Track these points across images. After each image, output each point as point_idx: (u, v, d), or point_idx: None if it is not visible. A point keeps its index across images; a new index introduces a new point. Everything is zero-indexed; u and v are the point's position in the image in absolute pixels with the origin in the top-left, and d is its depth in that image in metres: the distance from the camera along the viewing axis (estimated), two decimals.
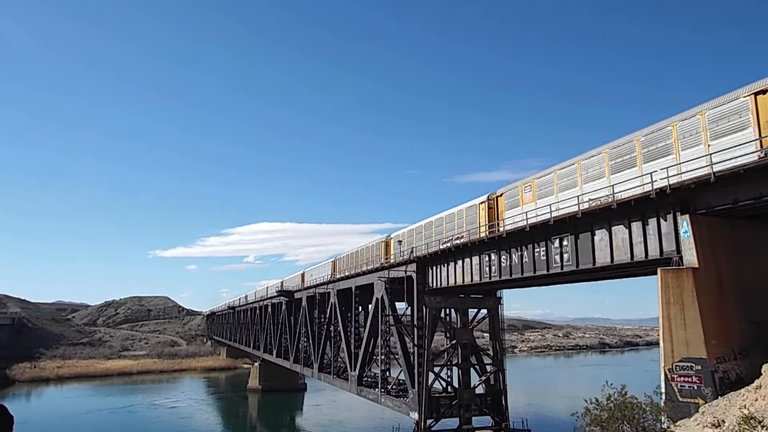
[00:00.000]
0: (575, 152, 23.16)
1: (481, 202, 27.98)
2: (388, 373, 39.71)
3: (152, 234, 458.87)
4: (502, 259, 26.11)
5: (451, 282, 30.81)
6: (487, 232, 26.56)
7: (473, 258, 28.62)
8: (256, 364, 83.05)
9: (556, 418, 56.39)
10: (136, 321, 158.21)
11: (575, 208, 20.51)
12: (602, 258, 20.26)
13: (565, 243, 22.03)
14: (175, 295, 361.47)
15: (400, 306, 38.82)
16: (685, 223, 16.53)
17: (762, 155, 14.30)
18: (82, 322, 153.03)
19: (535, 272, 23.79)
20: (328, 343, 50.37)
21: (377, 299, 38.49)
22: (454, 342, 34.12)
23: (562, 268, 22.19)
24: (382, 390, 38.13)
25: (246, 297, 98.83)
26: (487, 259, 27.32)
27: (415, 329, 33.43)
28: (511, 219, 25.22)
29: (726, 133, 15.68)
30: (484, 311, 35.10)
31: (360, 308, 45.92)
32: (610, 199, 18.93)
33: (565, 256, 22.01)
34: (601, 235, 20.34)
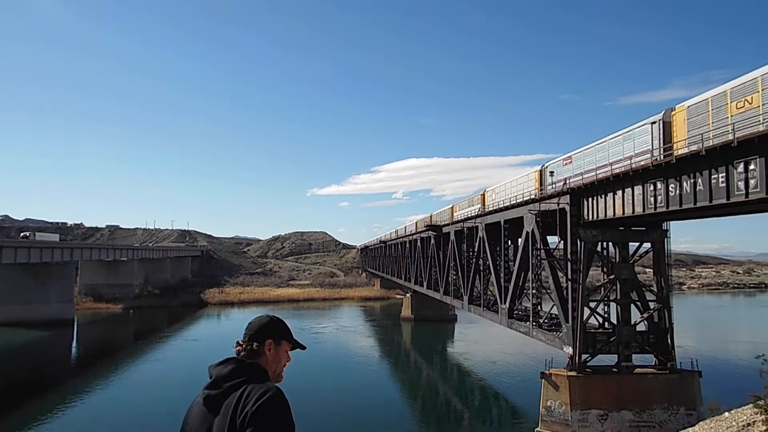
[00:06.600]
0: None
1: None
2: (539, 307, 39.03)
3: (308, 174, 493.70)
4: (670, 188, 23.46)
5: (609, 214, 28.65)
6: (661, 156, 23.83)
7: (635, 188, 26.14)
8: (408, 295, 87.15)
9: (733, 361, 51.43)
10: (300, 254, 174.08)
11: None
12: None
13: (752, 167, 18.99)
14: (332, 230, 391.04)
15: (552, 240, 37.42)
16: None
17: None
18: (255, 255, 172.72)
19: (711, 201, 21.02)
20: (477, 277, 50.74)
21: (527, 233, 37.44)
22: (612, 277, 32.14)
23: (746, 196, 19.26)
24: (534, 323, 37.73)
25: (396, 231, 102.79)
26: (651, 188, 24.75)
27: (569, 263, 32.07)
28: (695, 140, 21.89)
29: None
30: (647, 245, 32.33)
31: (509, 242, 45.17)
32: None
33: (752, 182, 19.02)
34: None
